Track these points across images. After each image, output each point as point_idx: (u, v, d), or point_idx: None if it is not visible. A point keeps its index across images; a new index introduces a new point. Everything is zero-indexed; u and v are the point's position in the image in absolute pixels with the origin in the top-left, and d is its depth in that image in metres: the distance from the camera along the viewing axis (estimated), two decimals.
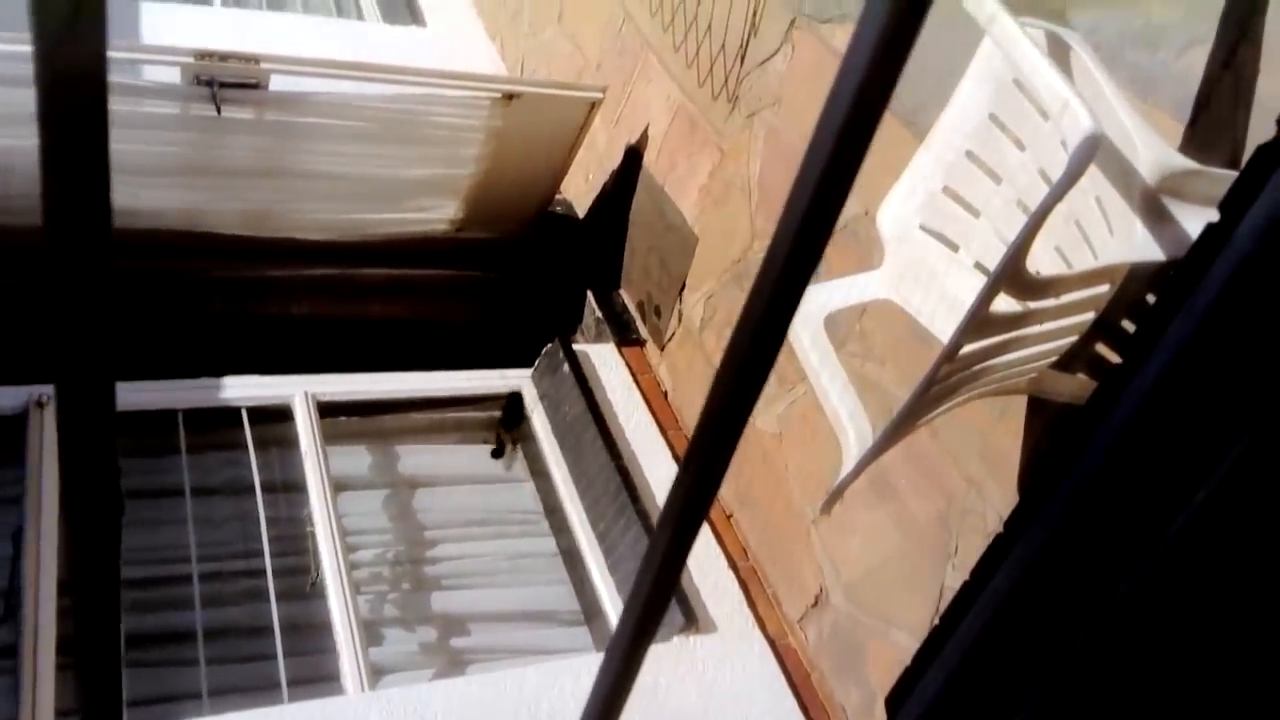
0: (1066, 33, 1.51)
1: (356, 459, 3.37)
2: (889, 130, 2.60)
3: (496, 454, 3.65)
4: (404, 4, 4.72)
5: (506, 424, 3.69)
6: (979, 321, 1.33)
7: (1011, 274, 1.28)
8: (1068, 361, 1.73)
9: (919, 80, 2.60)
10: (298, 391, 3.20)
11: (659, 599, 0.47)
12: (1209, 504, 0.72)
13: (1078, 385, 1.76)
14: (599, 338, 3.86)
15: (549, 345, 3.59)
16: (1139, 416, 0.74)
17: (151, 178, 3.15)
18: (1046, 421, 2.26)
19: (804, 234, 0.36)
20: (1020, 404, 2.29)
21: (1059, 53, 1.50)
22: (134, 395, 3.09)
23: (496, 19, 4.72)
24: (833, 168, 0.34)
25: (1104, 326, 1.66)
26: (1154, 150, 1.44)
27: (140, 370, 3.23)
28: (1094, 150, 1.21)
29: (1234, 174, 0.93)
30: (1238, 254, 0.62)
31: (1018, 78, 1.38)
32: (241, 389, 3.19)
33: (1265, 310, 0.64)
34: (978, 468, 2.44)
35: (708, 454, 0.43)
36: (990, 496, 2.41)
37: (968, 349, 1.37)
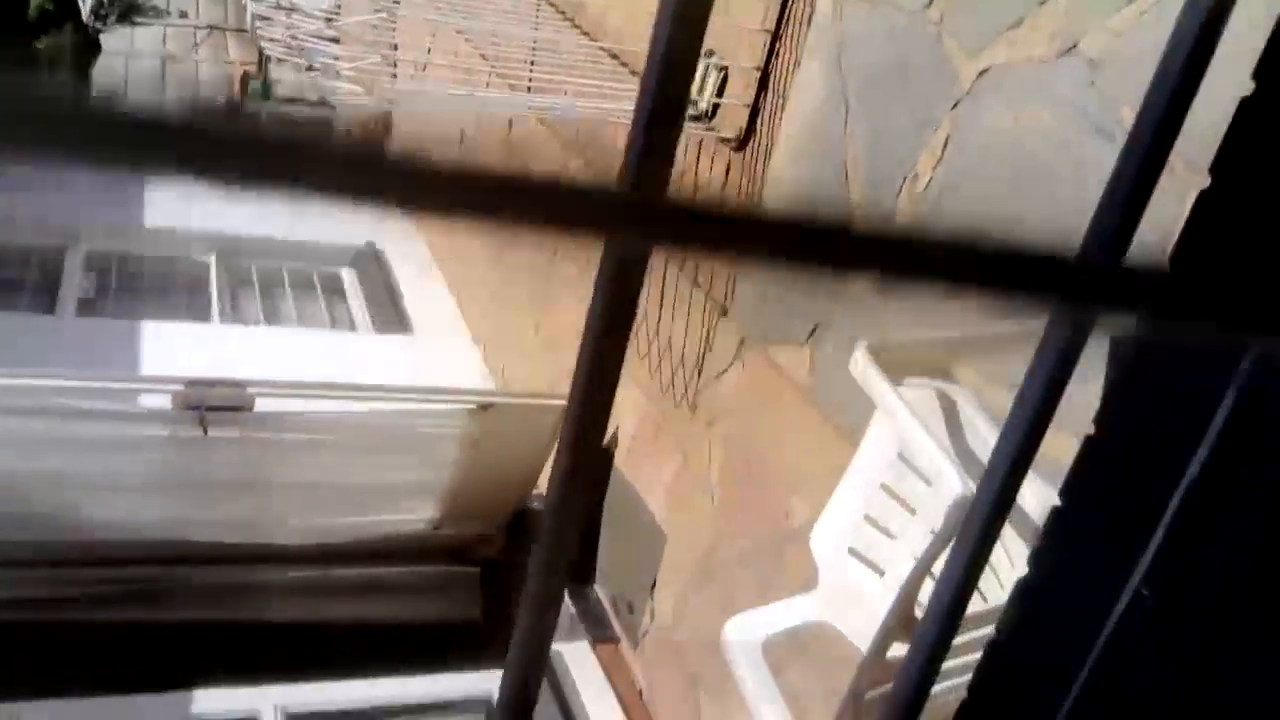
0: (953, 388, 1.68)
1: None
2: (833, 445, 2.76)
3: None
4: (394, 313, 5.05)
5: None
6: (879, 667, 1.41)
7: (904, 622, 1.38)
8: None
9: (862, 402, 2.79)
10: (266, 705, 3.19)
11: None
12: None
13: None
14: (572, 635, 3.88)
15: None
16: None
17: (135, 494, 3.29)
18: None
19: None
20: None
21: (947, 408, 1.66)
22: (101, 712, 3.09)
23: (480, 326, 5.03)
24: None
25: None
26: (1042, 496, 1.57)
27: (113, 683, 3.24)
28: (965, 511, 1.34)
29: None
30: None
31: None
32: (210, 701, 3.19)
33: None
34: None
35: None
36: None
37: (873, 693, 1.44)
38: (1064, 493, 0.80)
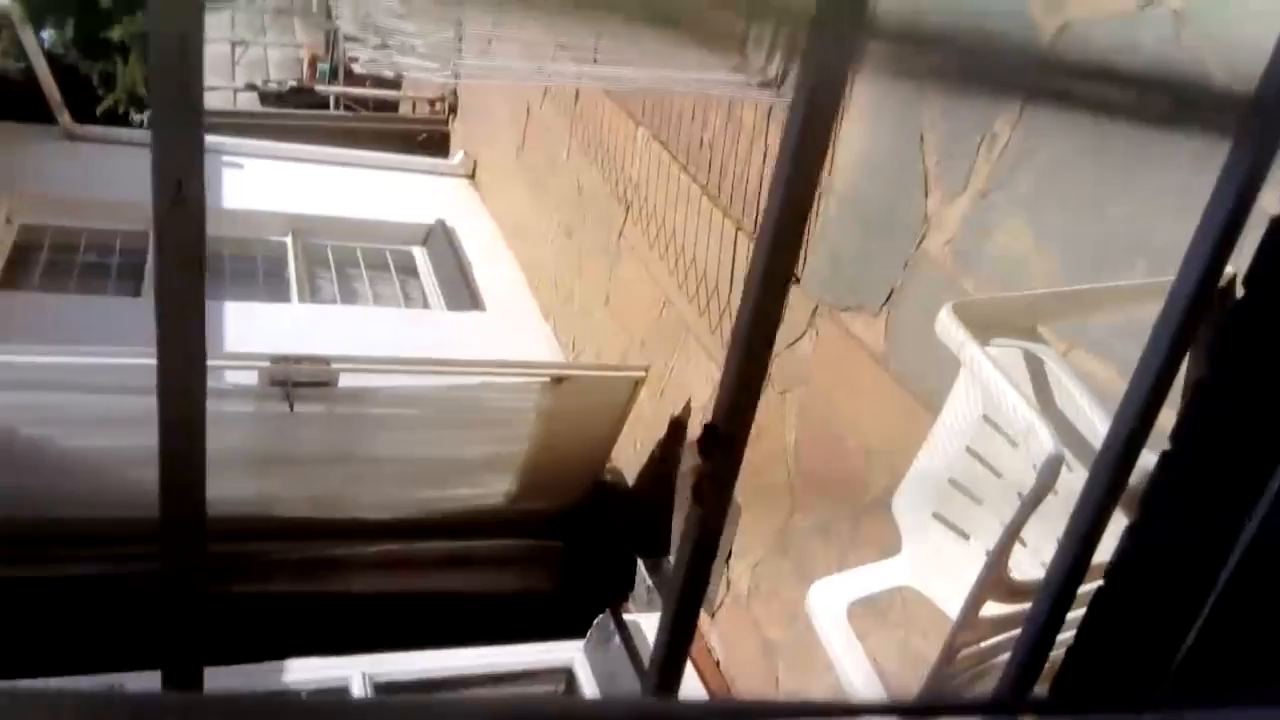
0: (1039, 348, 1.66)
1: None
2: (909, 413, 2.74)
3: None
4: (465, 290, 5.11)
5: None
6: (973, 626, 1.41)
7: (995, 582, 1.37)
8: None
9: (939, 367, 2.76)
10: (355, 673, 3.28)
11: None
12: None
13: None
14: (650, 606, 3.91)
15: (600, 616, 3.65)
16: None
17: (223, 470, 3.38)
18: None
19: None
20: None
21: (1034, 368, 1.64)
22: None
23: (551, 301, 5.07)
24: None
25: None
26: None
27: (208, 654, 3.34)
28: (1056, 470, 1.33)
29: None
30: None
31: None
32: (300, 672, 3.28)
33: None
34: None
35: None
36: None
37: (966, 652, 1.44)
38: (1174, 438, 0.80)
